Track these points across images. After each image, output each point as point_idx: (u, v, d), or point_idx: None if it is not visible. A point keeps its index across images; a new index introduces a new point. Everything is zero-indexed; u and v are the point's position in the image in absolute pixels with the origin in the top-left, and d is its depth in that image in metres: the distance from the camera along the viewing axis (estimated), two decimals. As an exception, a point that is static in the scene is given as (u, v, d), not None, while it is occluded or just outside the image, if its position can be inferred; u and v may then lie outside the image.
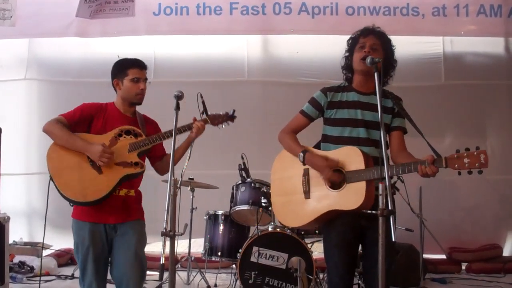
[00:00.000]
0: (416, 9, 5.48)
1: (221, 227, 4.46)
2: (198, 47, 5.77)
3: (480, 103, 5.74)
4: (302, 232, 4.01)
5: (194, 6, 5.54)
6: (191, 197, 4.70)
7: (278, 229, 3.93)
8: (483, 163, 2.19)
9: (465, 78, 5.72)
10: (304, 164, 2.63)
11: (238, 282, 3.93)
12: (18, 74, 5.86)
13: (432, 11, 5.49)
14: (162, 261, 2.39)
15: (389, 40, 2.68)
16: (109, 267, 2.90)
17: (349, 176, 2.48)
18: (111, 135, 2.87)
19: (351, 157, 2.50)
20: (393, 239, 2.03)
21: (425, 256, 4.84)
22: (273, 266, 3.84)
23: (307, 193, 2.61)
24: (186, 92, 2.71)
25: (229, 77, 5.77)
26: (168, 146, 2.77)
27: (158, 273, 2.41)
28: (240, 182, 4.25)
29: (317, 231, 4.04)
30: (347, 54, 2.72)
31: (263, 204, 4.03)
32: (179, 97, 2.65)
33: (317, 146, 2.78)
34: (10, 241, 4.30)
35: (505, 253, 5.60)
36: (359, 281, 3.91)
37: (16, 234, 5.39)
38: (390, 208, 2.07)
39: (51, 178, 2.77)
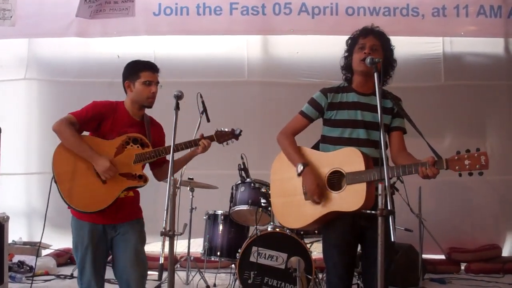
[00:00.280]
0: (416, 9, 5.49)
1: (221, 227, 4.46)
2: (198, 47, 5.77)
3: (480, 103, 5.74)
4: (302, 232, 4.01)
5: (194, 6, 5.54)
6: (191, 197, 4.70)
7: (277, 229, 3.93)
8: (484, 165, 2.19)
9: (465, 78, 5.72)
10: (299, 176, 2.62)
11: (237, 282, 3.93)
12: (18, 74, 5.86)
13: (432, 11, 5.49)
14: (161, 260, 2.39)
15: (388, 40, 2.68)
16: (112, 268, 2.91)
17: (349, 178, 2.47)
18: (118, 142, 2.86)
19: (351, 158, 2.49)
20: (392, 239, 2.03)
21: (424, 256, 4.84)
22: (272, 266, 3.84)
23: (307, 195, 2.61)
24: (186, 92, 2.71)
25: (229, 77, 5.77)
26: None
27: (157, 273, 2.41)
28: (239, 182, 4.25)
29: (316, 231, 4.04)
30: (346, 54, 2.72)
31: (262, 204, 4.03)
32: (178, 97, 2.65)
33: (316, 146, 2.78)
34: (9, 241, 4.30)
35: (504, 253, 5.60)
36: (358, 281, 3.91)
37: (15, 233, 5.38)
38: (389, 208, 2.07)
39: (54, 180, 2.77)
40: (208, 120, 4.07)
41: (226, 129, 3.10)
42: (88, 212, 2.78)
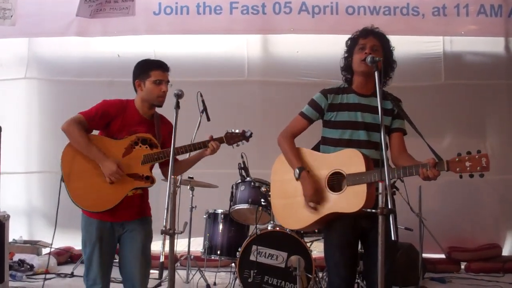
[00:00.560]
0: (416, 8, 5.49)
1: (221, 226, 4.46)
2: (198, 47, 5.77)
3: (479, 103, 5.73)
4: (302, 231, 4.01)
5: (194, 5, 5.54)
6: (191, 196, 4.70)
7: (277, 228, 3.93)
8: (485, 167, 2.18)
9: (465, 77, 5.71)
10: (297, 180, 2.62)
11: (238, 281, 3.93)
12: (18, 73, 5.86)
13: (432, 11, 5.49)
14: (162, 259, 2.40)
15: (388, 41, 2.67)
16: (118, 266, 2.93)
17: (349, 179, 2.47)
18: (127, 142, 2.86)
19: (351, 160, 2.49)
20: (394, 238, 2.02)
21: (425, 255, 4.83)
22: (272, 265, 3.84)
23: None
24: (186, 91, 2.71)
25: (229, 76, 5.76)
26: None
27: (157, 272, 2.41)
28: (239, 181, 4.26)
29: (316, 230, 4.04)
30: (346, 55, 2.70)
31: (262, 203, 4.04)
32: (179, 95, 2.65)
33: (317, 147, 2.77)
34: (10, 240, 4.31)
35: (505, 252, 5.60)
36: (358, 280, 3.91)
37: (16, 232, 5.40)
38: (390, 207, 2.07)
39: (62, 180, 2.79)
40: (208, 119, 4.08)
41: (237, 131, 3.08)
42: (94, 212, 2.80)
